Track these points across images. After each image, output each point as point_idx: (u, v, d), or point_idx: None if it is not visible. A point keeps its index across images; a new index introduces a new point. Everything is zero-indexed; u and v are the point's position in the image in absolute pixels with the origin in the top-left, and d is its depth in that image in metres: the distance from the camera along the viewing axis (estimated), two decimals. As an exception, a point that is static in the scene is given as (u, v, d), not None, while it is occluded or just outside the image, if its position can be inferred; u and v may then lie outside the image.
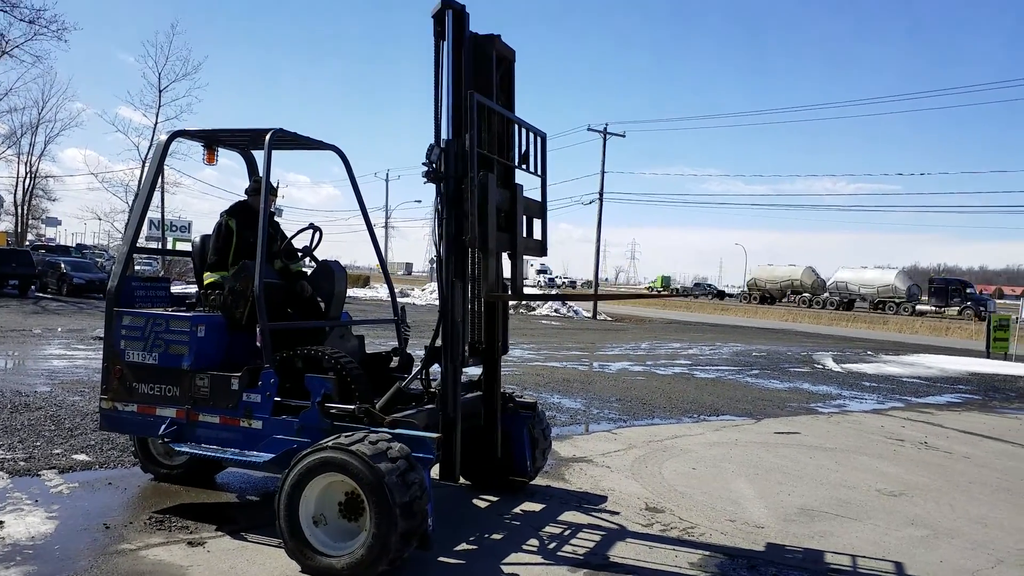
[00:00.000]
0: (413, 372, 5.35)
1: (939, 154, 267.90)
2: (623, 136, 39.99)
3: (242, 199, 5.83)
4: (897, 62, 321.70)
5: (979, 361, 21.33)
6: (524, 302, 38.04)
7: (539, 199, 5.75)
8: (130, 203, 37.03)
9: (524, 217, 5.55)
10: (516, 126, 5.48)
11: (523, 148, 5.55)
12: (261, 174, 5.33)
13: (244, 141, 6.27)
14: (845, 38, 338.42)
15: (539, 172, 5.71)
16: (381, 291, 46.43)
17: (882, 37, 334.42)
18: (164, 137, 5.79)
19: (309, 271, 6.06)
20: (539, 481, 6.21)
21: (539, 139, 5.66)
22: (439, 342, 5.00)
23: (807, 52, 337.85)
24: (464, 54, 5.03)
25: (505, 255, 5.46)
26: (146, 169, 6.30)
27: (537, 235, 5.78)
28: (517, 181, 5.54)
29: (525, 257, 5.64)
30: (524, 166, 5.57)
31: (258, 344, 4.82)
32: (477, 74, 5.14)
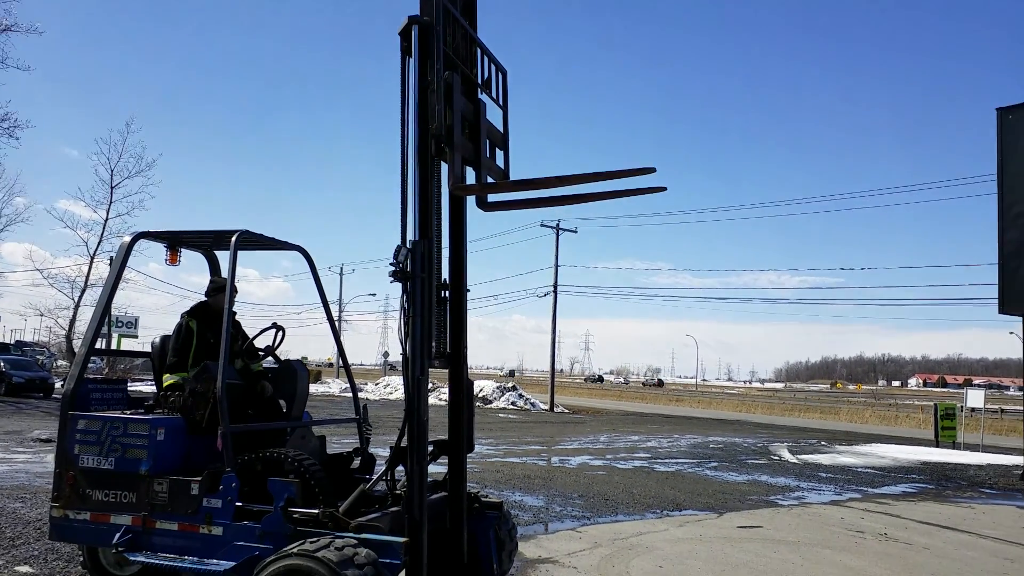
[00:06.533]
0: (378, 473, 5.25)
1: (879, 249, 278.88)
2: (575, 232, 41.15)
3: (203, 300, 5.80)
4: (839, 162, 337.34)
5: (929, 450, 21.66)
6: (482, 402, 37.74)
7: (501, 131, 5.63)
8: (75, 299, 36.19)
9: (488, 141, 5.39)
10: (479, 50, 5.45)
11: (485, 75, 5.52)
12: (224, 274, 5.33)
13: (208, 242, 6.27)
14: (789, 137, 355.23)
15: (501, 103, 5.64)
16: (332, 386, 45.61)
17: (825, 137, 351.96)
18: (128, 238, 5.77)
19: (270, 369, 5.99)
20: (505, 584, 6.05)
21: (501, 74, 5.64)
22: (404, 442, 4.93)
23: (752, 151, 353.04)
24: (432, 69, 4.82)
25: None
26: (109, 270, 6.20)
27: (500, 165, 5.59)
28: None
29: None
30: (488, 92, 5.51)
31: (219, 447, 4.72)
32: None
